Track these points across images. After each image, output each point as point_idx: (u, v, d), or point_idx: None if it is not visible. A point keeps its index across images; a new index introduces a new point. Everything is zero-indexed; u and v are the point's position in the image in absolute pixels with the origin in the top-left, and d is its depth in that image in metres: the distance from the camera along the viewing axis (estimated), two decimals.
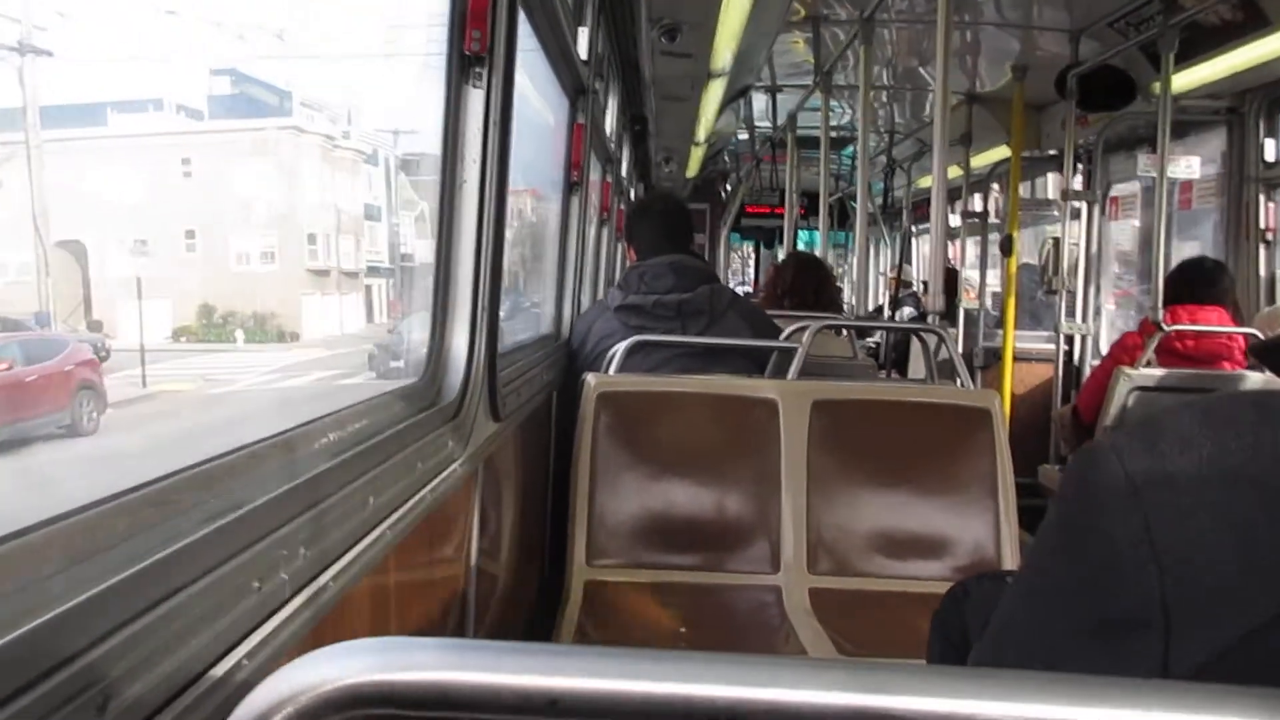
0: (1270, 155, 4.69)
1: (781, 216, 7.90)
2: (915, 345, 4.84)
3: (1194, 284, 4.06)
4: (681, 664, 0.49)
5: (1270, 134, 4.70)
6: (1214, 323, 3.98)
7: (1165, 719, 0.49)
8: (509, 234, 2.02)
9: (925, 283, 5.32)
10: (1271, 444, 0.60)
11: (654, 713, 0.47)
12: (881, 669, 0.50)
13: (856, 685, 0.49)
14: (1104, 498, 0.63)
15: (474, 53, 1.76)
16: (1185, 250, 5.23)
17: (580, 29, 3.29)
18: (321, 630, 1.05)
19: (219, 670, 0.80)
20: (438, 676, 0.46)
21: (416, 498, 1.44)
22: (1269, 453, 0.60)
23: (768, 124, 7.41)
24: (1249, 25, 3.96)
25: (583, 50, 3.29)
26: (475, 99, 1.80)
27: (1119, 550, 0.62)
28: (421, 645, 0.47)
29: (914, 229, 8.73)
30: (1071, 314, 5.40)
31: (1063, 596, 0.68)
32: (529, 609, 2.89)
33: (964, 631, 1.24)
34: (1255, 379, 3.88)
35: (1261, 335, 3.75)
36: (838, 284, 6.33)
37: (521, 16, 2.04)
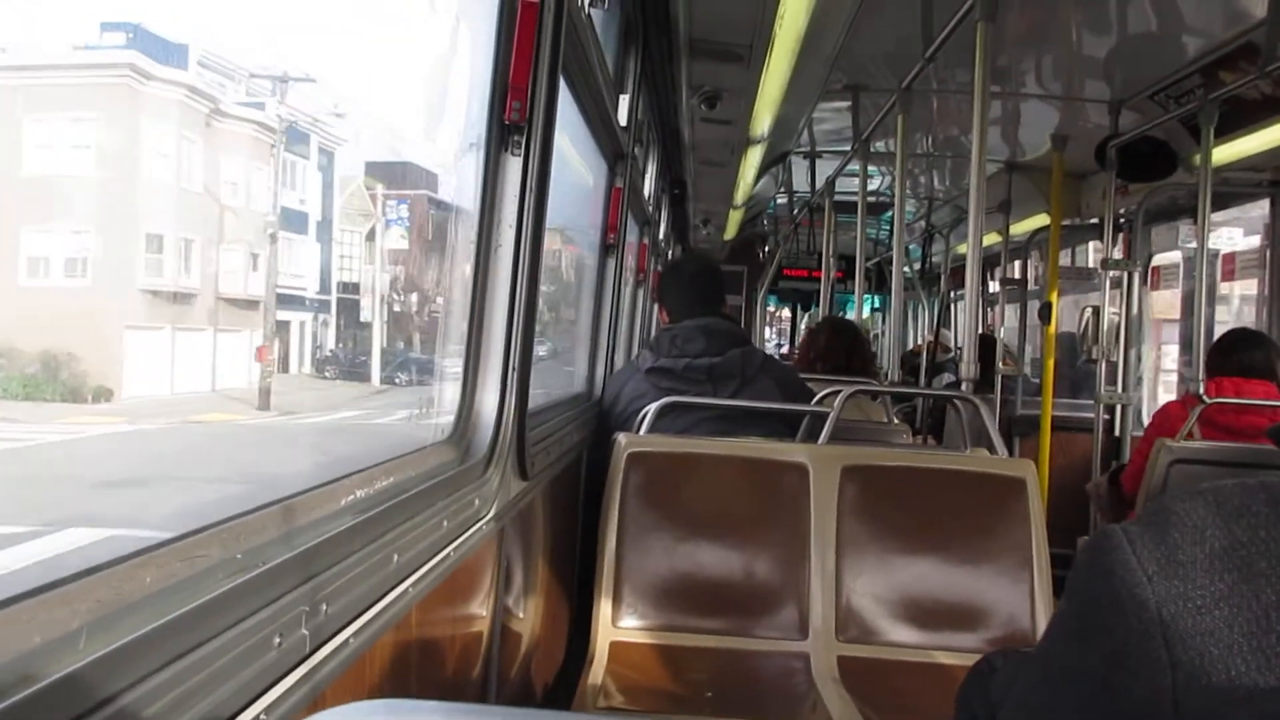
0: None
1: (819, 280, 7.92)
2: (951, 412, 4.81)
3: (1235, 354, 4.00)
4: None
5: None
6: (1259, 396, 3.92)
7: None
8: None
9: (961, 348, 5.30)
10: None
11: None
12: None
13: None
14: (1116, 587, 0.63)
15: (513, 122, 1.82)
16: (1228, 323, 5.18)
17: (621, 96, 3.36)
18: (342, 685, 1.06)
19: None
20: None
21: (441, 555, 1.45)
22: None
23: (806, 189, 7.47)
24: None
25: (623, 117, 3.36)
26: (513, 166, 1.85)
27: (1131, 642, 0.61)
28: (427, 709, 0.49)
29: (952, 294, 8.71)
30: (1112, 383, 5.34)
31: (1074, 684, 0.67)
32: (555, 668, 2.87)
33: (989, 708, 1.22)
34: None
35: None
36: (872, 349, 6.32)
37: (562, 85, 2.10)
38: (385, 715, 0.48)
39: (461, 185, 1.90)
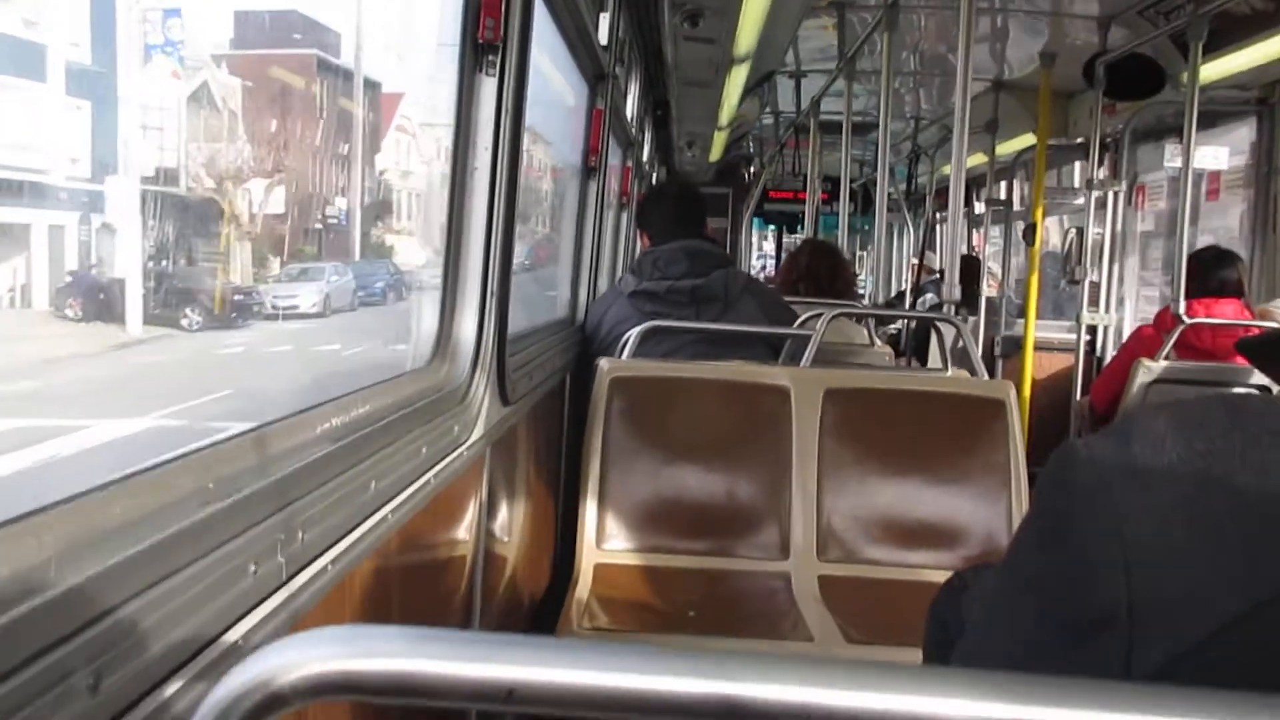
0: None
1: (804, 202, 7.87)
2: (934, 333, 4.83)
3: (1205, 275, 4.03)
4: (639, 657, 0.50)
5: None
6: (1230, 316, 3.96)
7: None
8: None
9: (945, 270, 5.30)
10: (1241, 446, 0.61)
11: (610, 704, 0.49)
12: (838, 664, 0.52)
13: (814, 680, 0.50)
14: (1077, 496, 0.64)
15: (487, 40, 1.77)
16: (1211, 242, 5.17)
17: (601, 14, 3.29)
18: (322, 611, 1.07)
19: (213, 652, 0.82)
20: (398, 665, 0.48)
21: (421, 481, 1.46)
22: (1238, 455, 0.61)
23: (791, 109, 7.37)
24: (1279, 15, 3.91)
25: (603, 36, 3.29)
26: (488, 87, 1.81)
27: (1090, 549, 0.63)
28: (385, 634, 0.49)
29: (937, 216, 8.68)
30: (1094, 304, 5.35)
31: (1035, 592, 0.69)
32: (540, 591, 2.92)
33: (960, 623, 1.25)
34: None
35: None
36: (855, 270, 6.30)
37: (539, 3, 2.05)
38: (344, 642, 0.48)
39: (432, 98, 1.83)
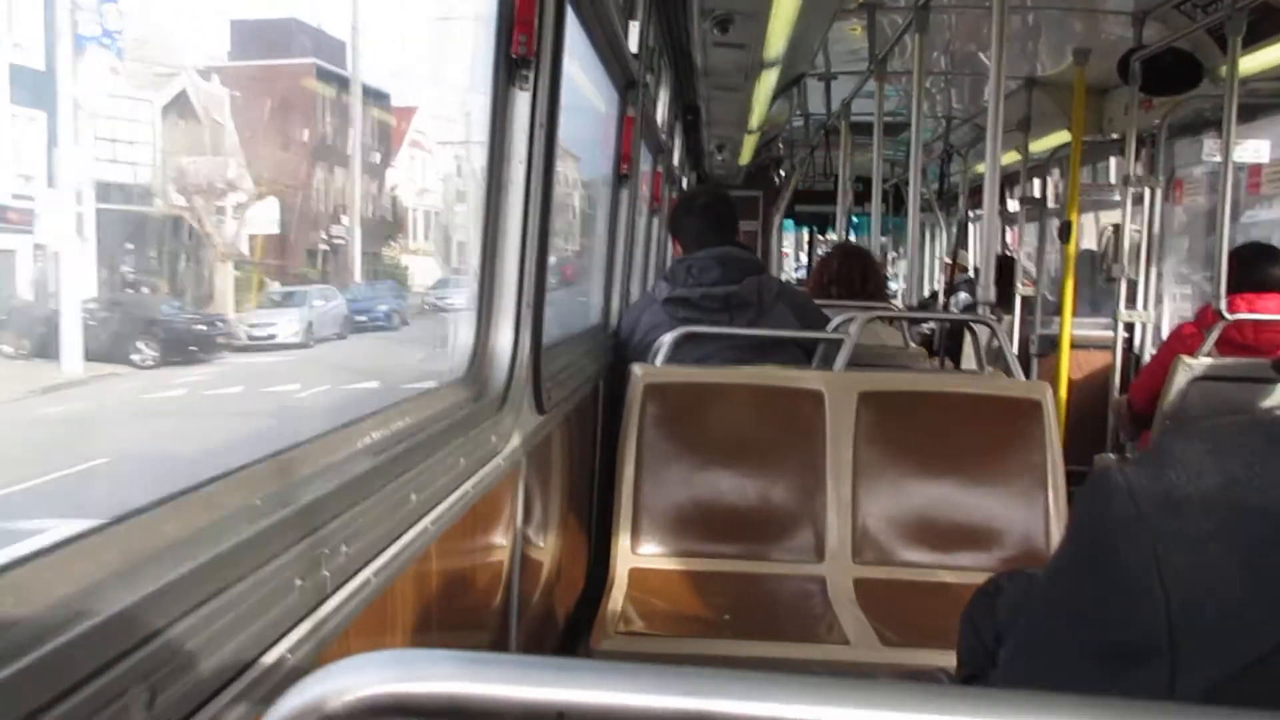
0: None
1: (835, 203, 7.83)
2: (969, 334, 4.79)
3: (1247, 270, 3.97)
4: (687, 679, 0.51)
5: None
6: (1273, 311, 3.89)
7: None
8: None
9: (979, 270, 5.26)
10: (1278, 472, 0.61)
11: None
12: (888, 686, 0.52)
13: (862, 703, 0.50)
14: (1113, 525, 0.64)
15: (520, 56, 1.79)
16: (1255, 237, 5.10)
17: (631, 23, 3.30)
18: (365, 622, 1.09)
19: (263, 665, 0.84)
20: (449, 688, 0.49)
21: (460, 491, 1.48)
22: (1275, 481, 0.60)
23: (822, 111, 7.34)
24: None
25: (633, 44, 3.31)
26: (521, 101, 1.83)
27: (1127, 577, 0.63)
28: (435, 657, 0.50)
29: (970, 215, 8.61)
30: (1132, 301, 5.29)
31: (1074, 619, 0.69)
32: (575, 597, 2.93)
33: (993, 629, 1.24)
34: None
35: None
36: (886, 272, 6.25)
37: (570, 15, 2.06)
38: (396, 665, 0.49)
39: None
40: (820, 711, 0.49)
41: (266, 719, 0.49)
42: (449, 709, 0.49)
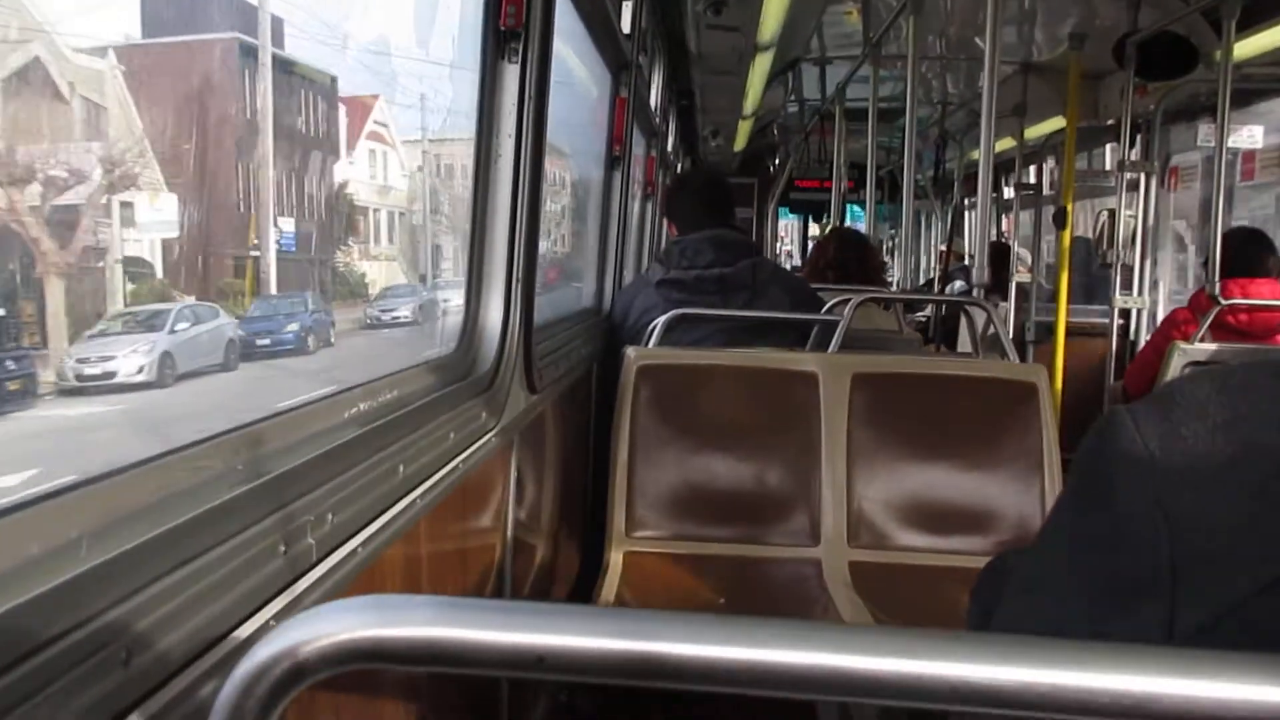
0: None
1: (830, 190, 7.82)
2: (964, 319, 4.78)
3: (1239, 255, 3.96)
4: (665, 624, 0.50)
5: None
6: (1265, 296, 3.89)
7: (1162, 683, 0.48)
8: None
9: (974, 255, 5.24)
10: None
11: (639, 671, 0.48)
12: (872, 630, 0.51)
13: (847, 646, 0.49)
14: (1118, 463, 0.64)
15: (509, 28, 1.77)
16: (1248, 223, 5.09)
17: (624, 2, 3.28)
18: (350, 594, 1.07)
19: (244, 631, 0.82)
20: (429, 633, 0.47)
21: (449, 467, 1.46)
22: None
23: (816, 96, 7.32)
24: None
25: (625, 24, 3.29)
26: (511, 74, 1.81)
27: (1131, 514, 0.62)
28: (415, 603, 0.49)
29: (965, 202, 8.59)
30: (1127, 288, 5.28)
31: (1076, 558, 0.68)
32: (569, 580, 2.92)
33: (1001, 602, 1.23)
34: None
35: None
36: (883, 257, 6.25)
37: None
38: (374, 610, 0.48)
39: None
40: (802, 656, 0.48)
41: (240, 666, 0.48)
42: (427, 654, 0.48)
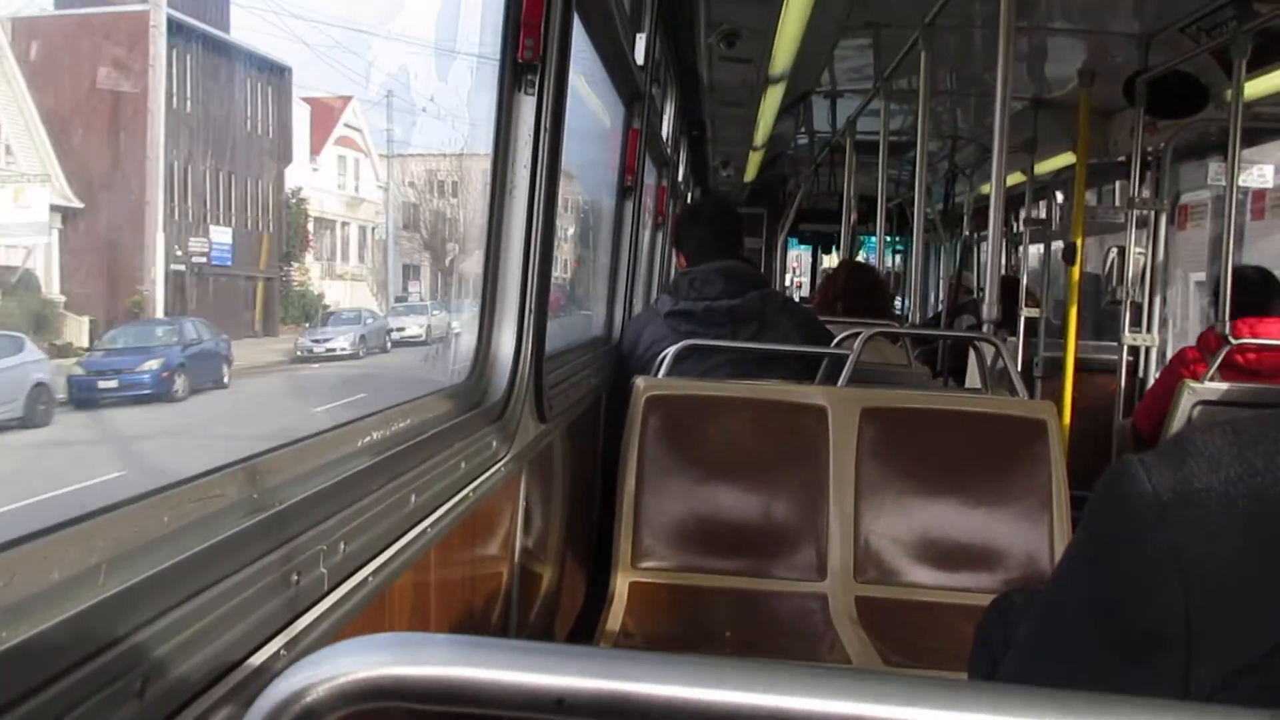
0: None
1: (840, 222, 7.84)
2: (973, 354, 4.78)
3: (1246, 294, 3.96)
4: (685, 668, 0.50)
5: None
6: (1275, 336, 3.89)
7: None
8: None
9: (984, 290, 5.24)
10: None
11: (660, 715, 0.48)
12: (886, 679, 0.51)
13: (861, 695, 0.49)
14: (1131, 515, 0.64)
15: (526, 60, 1.79)
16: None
17: (638, 35, 3.31)
18: (361, 624, 1.07)
19: (256, 659, 0.82)
20: (448, 672, 0.48)
21: (459, 496, 1.46)
22: None
23: (827, 129, 7.36)
24: None
25: (639, 56, 3.31)
26: (527, 106, 1.83)
27: (1145, 567, 0.62)
28: (434, 641, 0.49)
29: (975, 236, 8.61)
30: (1136, 325, 5.28)
31: (1088, 610, 0.68)
32: (575, 610, 2.91)
33: (1006, 643, 1.23)
34: None
35: None
36: (891, 290, 6.25)
37: (577, 23, 2.06)
38: (394, 649, 0.48)
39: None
40: (819, 704, 0.48)
41: (258, 702, 0.48)
42: (445, 694, 0.48)
